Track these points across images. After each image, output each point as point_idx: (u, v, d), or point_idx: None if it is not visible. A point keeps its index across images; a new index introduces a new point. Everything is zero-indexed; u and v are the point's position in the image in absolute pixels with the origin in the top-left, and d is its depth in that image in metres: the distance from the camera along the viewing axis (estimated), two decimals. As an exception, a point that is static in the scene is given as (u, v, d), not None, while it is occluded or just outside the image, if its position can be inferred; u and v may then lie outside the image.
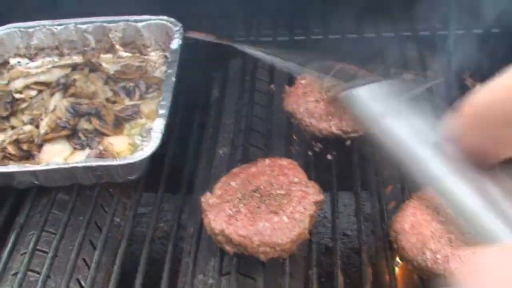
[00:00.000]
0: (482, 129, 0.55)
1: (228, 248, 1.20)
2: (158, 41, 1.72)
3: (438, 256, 1.11)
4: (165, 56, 1.70)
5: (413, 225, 1.16)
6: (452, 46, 1.66)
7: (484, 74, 1.52)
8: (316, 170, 1.37)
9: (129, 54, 1.75)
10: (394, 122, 0.66)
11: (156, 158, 1.40)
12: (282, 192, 1.25)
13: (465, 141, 0.56)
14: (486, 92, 0.55)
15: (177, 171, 1.45)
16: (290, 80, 1.55)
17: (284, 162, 1.32)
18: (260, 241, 1.17)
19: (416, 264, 1.13)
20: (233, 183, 1.28)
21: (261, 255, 1.18)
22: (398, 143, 0.62)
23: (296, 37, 1.78)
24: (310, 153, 1.43)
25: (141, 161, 1.32)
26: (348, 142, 1.42)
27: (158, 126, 1.38)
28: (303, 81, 1.49)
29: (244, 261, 1.22)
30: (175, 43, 1.62)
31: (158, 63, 1.71)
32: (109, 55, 1.75)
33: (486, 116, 0.54)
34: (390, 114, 0.69)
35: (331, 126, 1.40)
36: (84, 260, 1.35)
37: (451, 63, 1.61)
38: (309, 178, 1.31)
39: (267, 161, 1.32)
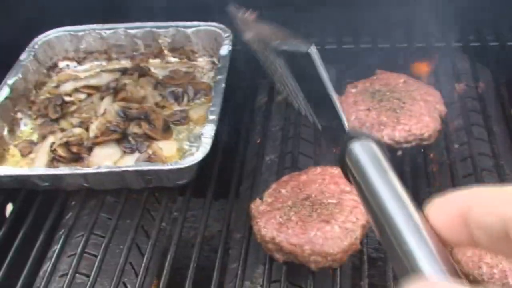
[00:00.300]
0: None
1: (278, 256, 1.19)
2: (206, 47, 1.72)
3: (495, 271, 1.08)
4: (213, 62, 1.71)
5: None
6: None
7: None
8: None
9: (177, 60, 1.75)
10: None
11: (203, 163, 1.40)
12: (334, 201, 1.23)
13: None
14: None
15: (225, 177, 1.44)
16: (340, 88, 1.54)
17: (336, 171, 1.30)
18: (311, 250, 1.15)
19: (472, 278, 1.10)
20: (283, 191, 1.27)
21: (312, 264, 1.17)
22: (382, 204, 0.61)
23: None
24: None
25: (192, 166, 1.32)
26: (400, 153, 1.40)
27: (208, 131, 1.38)
28: (353, 90, 1.48)
29: (293, 270, 1.20)
30: (225, 49, 1.62)
31: (206, 69, 1.71)
32: (157, 60, 1.76)
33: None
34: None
35: (383, 136, 1.37)
36: (130, 264, 1.35)
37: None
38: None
39: (318, 169, 1.31)
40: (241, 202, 1.37)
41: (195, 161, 1.32)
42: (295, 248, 1.16)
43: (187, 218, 1.39)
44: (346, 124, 0.76)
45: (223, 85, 1.50)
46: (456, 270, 0.50)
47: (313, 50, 0.78)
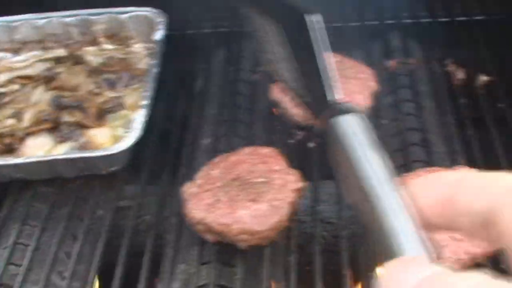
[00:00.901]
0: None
1: (208, 237, 1.20)
2: (142, 32, 1.71)
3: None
4: (149, 48, 1.70)
5: None
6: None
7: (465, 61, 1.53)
8: (297, 158, 1.37)
9: (113, 46, 1.74)
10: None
11: (140, 149, 1.40)
12: (262, 180, 1.24)
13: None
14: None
15: (160, 162, 1.44)
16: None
17: (265, 150, 1.32)
18: (240, 228, 1.16)
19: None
20: (213, 172, 1.28)
21: (241, 243, 1.18)
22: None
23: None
24: (291, 141, 1.42)
25: (122, 152, 1.32)
26: None
27: (139, 117, 1.37)
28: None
29: (225, 250, 1.21)
30: (159, 34, 1.61)
31: (142, 54, 1.70)
32: (93, 48, 1.74)
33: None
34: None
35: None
36: (68, 253, 1.35)
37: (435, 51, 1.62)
38: (292, 166, 1.31)
39: (248, 149, 1.32)
40: (177, 186, 1.37)
41: (125, 147, 1.31)
42: (223, 228, 1.17)
43: (122, 204, 1.39)
44: (330, 97, 0.69)
45: (156, 70, 1.49)
46: (439, 252, 0.50)
47: (313, 19, 0.73)
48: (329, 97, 0.67)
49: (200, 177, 1.28)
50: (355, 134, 0.62)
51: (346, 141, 0.60)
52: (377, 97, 1.48)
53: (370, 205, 0.54)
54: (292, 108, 1.40)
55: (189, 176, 1.34)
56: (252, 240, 1.17)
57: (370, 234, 0.55)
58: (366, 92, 1.44)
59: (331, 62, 0.71)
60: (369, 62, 1.56)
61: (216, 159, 1.32)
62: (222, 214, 1.18)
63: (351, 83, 1.43)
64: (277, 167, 1.27)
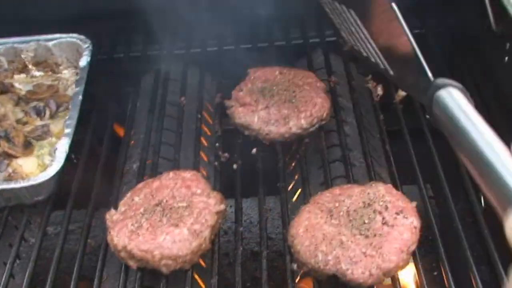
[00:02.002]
0: None
1: (131, 263, 1.22)
2: (70, 58, 1.72)
3: (329, 257, 1.14)
4: (77, 74, 1.70)
5: (307, 229, 1.20)
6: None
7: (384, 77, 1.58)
8: (222, 180, 1.40)
9: (42, 73, 1.75)
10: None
11: (66, 176, 1.41)
12: (184, 204, 1.27)
13: None
14: None
15: (88, 188, 1.46)
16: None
17: (188, 174, 1.34)
18: (161, 254, 1.19)
19: (311, 266, 1.16)
20: (136, 198, 1.30)
21: (163, 268, 1.20)
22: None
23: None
24: (216, 163, 1.45)
25: (47, 181, 1.34)
26: (254, 151, 1.45)
27: (63, 145, 1.39)
28: (241, 93, 1.50)
29: (148, 276, 1.23)
30: (84, 60, 1.63)
31: (70, 80, 1.71)
32: (22, 75, 1.75)
33: None
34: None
35: (291, 128, 1.42)
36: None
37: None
38: (216, 188, 1.34)
39: (171, 174, 1.35)
40: (103, 212, 1.38)
41: (48, 177, 1.33)
42: (145, 254, 1.19)
43: (50, 232, 1.41)
44: (430, 74, 0.88)
45: (80, 97, 1.51)
46: None
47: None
48: (427, 75, 0.86)
49: (123, 204, 1.30)
50: (458, 105, 0.77)
51: (451, 113, 0.76)
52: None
53: (485, 164, 0.68)
54: (266, 127, 1.43)
55: (115, 202, 1.36)
56: (174, 265, 1.20)
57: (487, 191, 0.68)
58: (322, 93, 1.48)
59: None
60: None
61: (140, 185, 1.34)
62: (144, 241, 1.20)
63: (305, 89, 1.48)
64: (199, 191, 1.30)
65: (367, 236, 1.16)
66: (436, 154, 1.40)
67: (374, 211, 1.21)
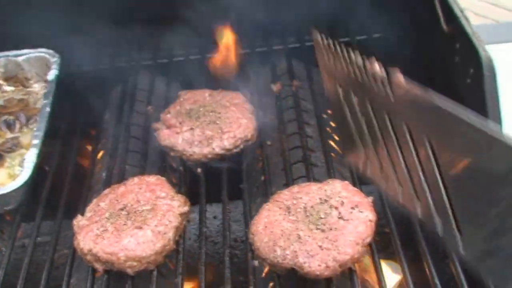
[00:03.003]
0: None
1: (97, 266, 1.26)
2: (39, 73, 1.76)
3: (287, 252, 1.18)
4: (47, 87, 1.75)
5: (266, 226, 1.24)
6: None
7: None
8: (186, 184, 1.45)
9: (13, 88, 1.79)
10: None
11: (31, 187, 1.45)
12: (148, 207, 1.31)
13: None
14: None
15: (57, 197, 1.49)
16: (166, 103, 1.63)
17: (152, 179, 1.39)
18: (126, 256, 1.23)
19: (270, 261, 1.20)
20: (102, 204, 1.34)
21: (128, 269, 1.24)
22: None
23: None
24: (181, 168, 1.49)
25: (15, 191, 1.37)
26: (199, 170, 1.48)
27: (30, 156, 1.43)
28: (168, 115, 1.54)
29: (114, 278, 1.27)
30: (52, 74, 1.67)
31: (40, 94, 1.74)
32: (-7, 91, 1.79)
33: None
34: None
35: (214, 149, 1.46)
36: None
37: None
38: (180, 192, 1.39)
39: (136, 179, 1.39)
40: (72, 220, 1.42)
41: (17, 186, 1.36)
42: (110, 257, 1.23)
43: (20, 241, 1.44)
44: None
45: (48, 109, 1.55)
46: None
47: None
48: None
49: (90, 209, 1.34)
50: None
51: None
52: (261, 119, 1.57)
53: None
54: (189, 148, 1.46)
55: (83, 209, 1.40)
56: (138, 266, 1.24)
57: None
58: (248, 114, 1.52)
59: None
60: (253, 87, 1.66)
61: (105, 191, 1.38)
62: (109, 244, 1.24)
63: (231, 110, 1.52)
64: (163, 194, 1.34)
65: (323, 231, 1.21)
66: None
67: (331, 207, 1.25)
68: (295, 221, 1.24)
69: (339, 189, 1.29)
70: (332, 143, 1.57)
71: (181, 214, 1.30)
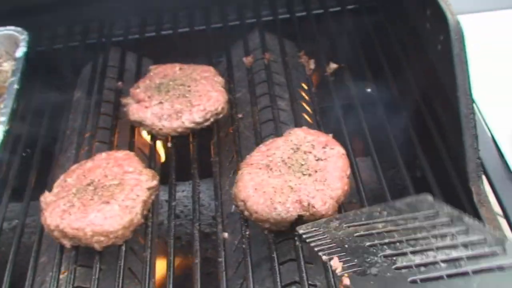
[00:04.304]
0: None
1: (64, 242, 1.24)
2: (9, 51, 1.73)
3: (288, 205, 1.19)
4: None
5: (256, 188, 1.23)
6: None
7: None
8: (156, 159, 1.43)
9: (-18, 67, 1.76)
10: None
11: (4, 166, 1.42)
12: (116, 182, 1.29)
13: None
14: None
15: (25, 177, 1.47)
16: (137, 78, 1.61)
17: (120, 154, 1.36)
18: (92, 231, 1.21)
19: (273, 220, 1.20)
20: (69, 179, 1.32)
21: (96, 245, 1.22)
22: None
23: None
24: (151, 142, 1.47)
25: (-19, 169, 1.35)
26: (169, 144, 1.46)
27: (-3, 134, 1.40)
28: (137, 90, 1.51)
29: (83, 253, 1.25)
30: (20, 51, 1.63)
31: (10, 72, 1.72)
32: (-38, 70, 1.76)
33: None
34: None
35: (184, 122, 1.43)
36: None
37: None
38: (149, 167, 1.37)
39: (104, 154, 1.37)
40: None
41: (-18, 164, 1.34)
42: (77, 232, 1.21)
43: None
44: None
45: (16, 86, 1.52)
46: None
47: None
48: None
49: (57, 185, 1.32)
50: None
51: None
52: (232, 92, 1.55)
53: None
54: (159, 122, 1.43)
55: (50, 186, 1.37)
56: (106, 241, 1.22)
57: None
58: (219, 87, 1.50)
59: None
60: (228, 61, 1.64)
61: (73, 167, 1.36)
62: (75, 219, 1.22)
63: (201, 83, 1.49)
64: (131, 169, 1.32)
65: (310, 175, 1.24)
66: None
67: (305, 153, 1.29)
68: (281, 175, 1.25)
69: (303, 135, 1.33)
70: (305, 115, 1.55)
71: (149, 188, 1.29)
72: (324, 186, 1.22)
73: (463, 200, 1.27)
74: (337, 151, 1.30)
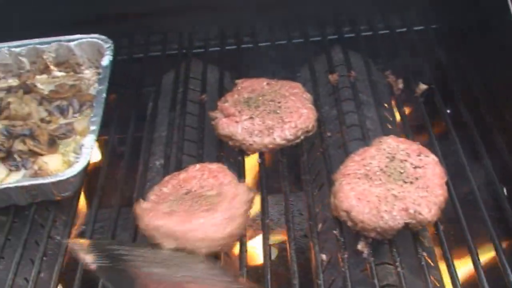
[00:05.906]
0: None
1: (165, 243, 1.21)
2: (91, 59, 1.74)
3: (394, 213, 1.19)
4: (99, 73, 1.72)
5: (359, 198, 1.22)
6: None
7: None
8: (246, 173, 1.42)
9: (64, 74, 1.77)
10: None
11: (92, 173, 1.43)
12: (214, 192, 1.28)
13: None
14: None
15: (114, 185, 1.47)
16: (220, 90, 1.60)
17: (214, 166, 1.35)
18: (197, 236, 1.19)
19: (380, 229, 1.20)
20: (164, 189, 1.32)
21: (200, 250, 1.19)
22: None
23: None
24: (240, 158, 1.46)
25: (73, 177, 1.35)
26: (259, 160, 1.46)
27: (88, 142, 1.41)
28: (226, 104, 1.50)
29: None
30: (106, 60, 1.65)
31: (92, 80, 1.73)
32: (44, 76, 1.77)
33: None
34: None
35: (275, 139, 1.42)
36: (25, 279, 1.36)
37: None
38: (240, 180, 1.36)
39: (197, 166, 1.36)
40: (130, 208, 1.39)
41: (75, 172, 1.34)
42: (182, 234, 1.19)
43: (78, 229, 1.43)
44: None
45: (104, 95, 1.53)
46: None
47: None
48: None
49: (153, 194, 1.31)
50: None
51: None
52: (320, 110, 1.53)
53: None
54: (249, 137, 1.43)
55: (140, 197, 1.37)
56: (211, 247, 1.20)
57: None
58: (308, 104, 1.49)
59: None
60: (312, 77, 1.63)
61: (166, 178, 1.35)
62: (180, 221, 1.20)
63: (291, 100, 1.48)
64: (226, 181, 1.31)
65: (411, 183, 1.25)
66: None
67: (401, 161, 1.29)
68: (382, 184, 1.25)
69: (395, 144, 1.34)
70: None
71: (248, 201, 1.27)
72: (427, 193, 1.22)
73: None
74: (432, 158, 1.31)
